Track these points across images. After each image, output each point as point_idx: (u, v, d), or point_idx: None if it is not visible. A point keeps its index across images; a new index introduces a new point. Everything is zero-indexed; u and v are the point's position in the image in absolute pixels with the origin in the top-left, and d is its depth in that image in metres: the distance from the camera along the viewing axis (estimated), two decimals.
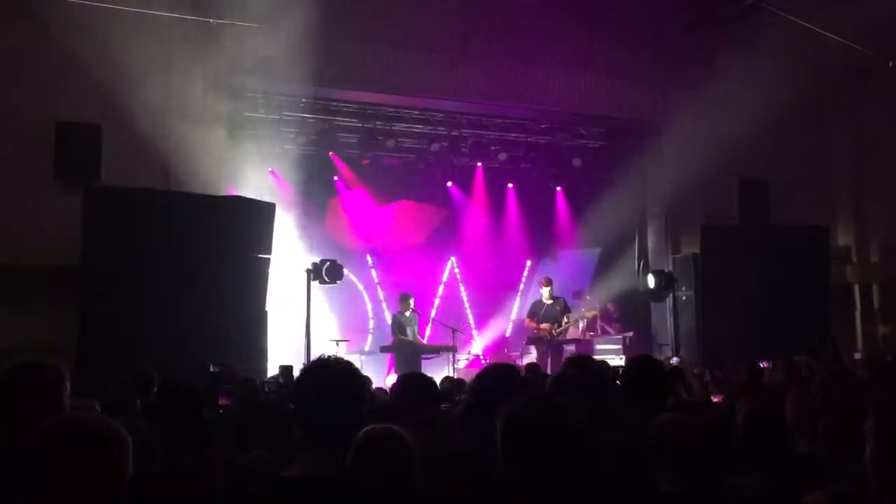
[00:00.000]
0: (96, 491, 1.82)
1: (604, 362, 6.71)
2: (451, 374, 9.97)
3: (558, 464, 2.12)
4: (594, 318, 12.25)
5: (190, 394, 4.21)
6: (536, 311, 11.76)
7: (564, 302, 11.78)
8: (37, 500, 1.80)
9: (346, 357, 2.96)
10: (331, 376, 2.50)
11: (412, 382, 3.77)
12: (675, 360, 9.09)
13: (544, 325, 11.47)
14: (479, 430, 3.06)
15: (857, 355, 9.57)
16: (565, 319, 11.57)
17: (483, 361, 12.82)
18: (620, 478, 2.76)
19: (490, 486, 2.46)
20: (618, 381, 4.17)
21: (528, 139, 13.32)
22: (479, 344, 13.82)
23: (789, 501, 2.23)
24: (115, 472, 1.86)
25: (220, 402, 5.39)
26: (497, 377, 3.37)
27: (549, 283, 11.87)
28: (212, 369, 6.68)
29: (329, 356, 2.65)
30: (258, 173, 12.05)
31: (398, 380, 3.94)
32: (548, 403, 2.32)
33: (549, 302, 11.65)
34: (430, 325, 12.78)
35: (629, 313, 13.14)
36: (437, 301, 13.84)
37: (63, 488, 1.79)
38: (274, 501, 2.40)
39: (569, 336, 11.86)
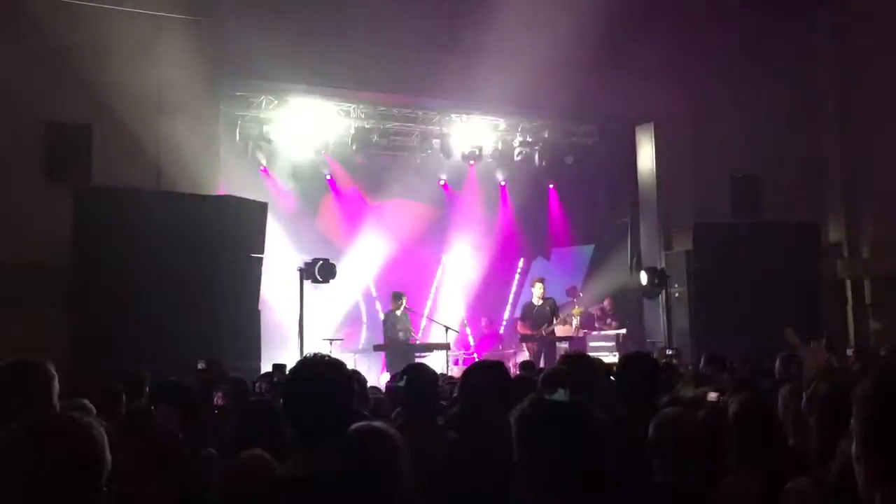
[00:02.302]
0: (70, 490, 1.78)
1: (598, 359, 6.73)
2: (445, 373, 9.96)
3: (576, 463, 2.10)
4: (581, 315, 12.21)
5: (183, 394, 4.19)
6: (528, 314, 11.76)
7: (553, 302, 11.79)
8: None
9: (340, 356, 2.95)
10: (318, 375, 2.49)
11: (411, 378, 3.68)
12: (670, 352, 9.09)
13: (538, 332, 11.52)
14: (470, 431, 3.05)
15: (850, 351, 9.58)
16: (555, 320, 11.58)
17: (476, 359, 12.83)
18: (617, 472, 2.75)
19: (482, 487, 2.45)
20: (612, 378, 4.17)
21: (521, 137, 13.31)
22: (472, 342, 13.82)
23: (781, 495, 2.23)
24: (86, 468, 1.81)
25: (216, 403, 5.35)
26: (484, 377, 3.31)
27: (541, 282, 11.87)
28: (200, 366, 6.65)
29: (316, 354, 2.63)
30: (250, 172, 12.03)
31: (404, 376, 3.81)
32: (563, 403, 2.29)
33: (540, 303, 11.65)
34: (423, 323, 12.76)
35: (622, 310, 13.16)
36: (430, 299, 13.83)
37: (35, 489, 1.75)
38: (268, 501, 2.39)
39: (562, 333, 11.87)
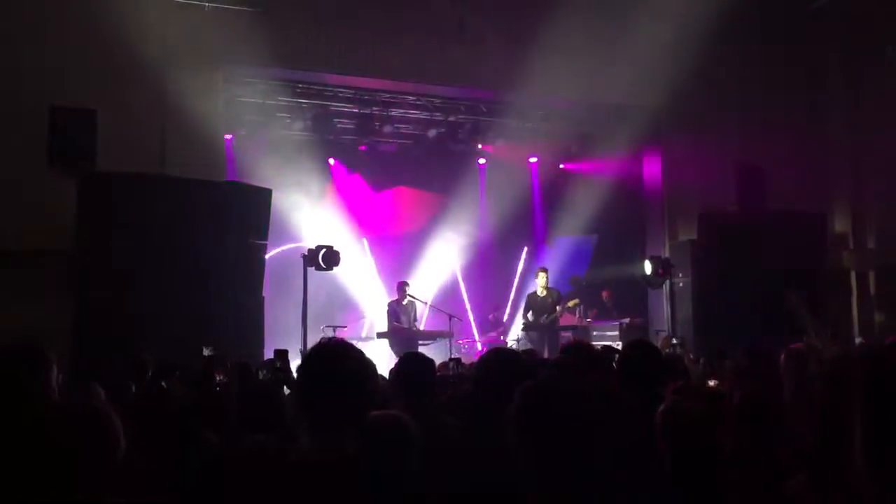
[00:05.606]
0: (85, 473, 1.80)
1: (608, 347, 6.71)
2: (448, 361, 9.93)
3: (575, 447, 2.10)
4: (576, 306, 12.15)
5: (186, 374, 4.20)
6: (531, 305, 11.71)
7: (558, 293, 11.71)
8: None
9: None
10: (335, 360, 2.45)
11: (409, 366, 3.75)
12: (675, 342, 9.07)
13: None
14: (484, 416, 3.05)
15: (858, 340, 9.56)
16: (558, 309, 11.54)
17: (479, 346, 12.82)
18: (620, 461, 2.75)
19: (490, 472, 2.44)
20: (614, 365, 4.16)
21: (526, 125, 13.27)
22: (475, 331, 13.81)
23: (783, 486, 2.22)
24: (101, 453, 1.84)
25: (218, 379, 5.35)
26: (502, 364, 3.30)
27: (544, 272, 11.82)
28: (206, 353, 6.67)
29: (332, 339, 2.61)
30: (254, 159, 12.02)
31: (397, 363, 3.94)
32: (565, 389, 2.29)
33: (543, 294, 11.61)
34: (426, 311, 12.74)
35: (626, 300, 13.12)
36: (434, 288, 13.82)
37: (51, 471, 1.78)
38: (280, 487, 2.37)
39: (565, 323, 11.84)
